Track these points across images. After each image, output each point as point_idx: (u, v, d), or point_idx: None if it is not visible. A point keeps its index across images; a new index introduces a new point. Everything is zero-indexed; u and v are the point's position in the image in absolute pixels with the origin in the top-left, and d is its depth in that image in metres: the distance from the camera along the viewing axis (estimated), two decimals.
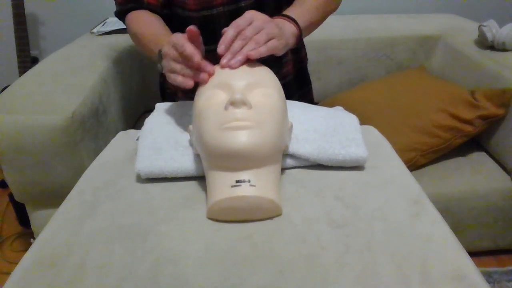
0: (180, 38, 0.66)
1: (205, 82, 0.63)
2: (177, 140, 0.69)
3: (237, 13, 0.89)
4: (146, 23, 0.90)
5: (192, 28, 0.64)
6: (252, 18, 0.68)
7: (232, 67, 0.63)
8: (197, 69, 0.64)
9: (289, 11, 0.82)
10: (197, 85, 0.66)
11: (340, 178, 0.65)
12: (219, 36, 0.65)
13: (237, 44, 0.65)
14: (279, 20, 0.77)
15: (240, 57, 0.64)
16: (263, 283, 0.47)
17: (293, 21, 0.79)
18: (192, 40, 0.65)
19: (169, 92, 1.10)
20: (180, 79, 0.66)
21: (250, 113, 0.56)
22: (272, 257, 0.51)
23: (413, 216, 0.57)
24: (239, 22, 0.67)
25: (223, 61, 0.64)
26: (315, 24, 0.88)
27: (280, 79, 0.68)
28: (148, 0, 0.92)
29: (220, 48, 0.65)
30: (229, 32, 0.66)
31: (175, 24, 0.95)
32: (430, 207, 0.59)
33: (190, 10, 0.92)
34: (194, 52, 0.64)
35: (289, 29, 0.77)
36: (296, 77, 1.07)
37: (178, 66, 0.67)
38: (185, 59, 0.65)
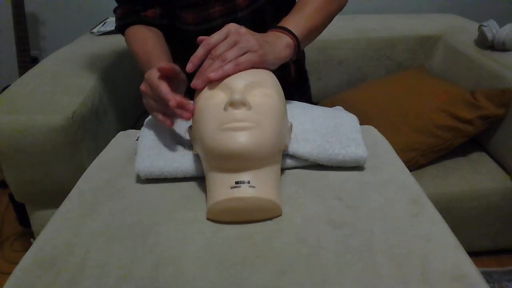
0: (153, 79, 0.65)
1: (188, 119, 0.62)
2: (177, 140, 0.69)
3: None
4: (142, 40, 0.88)
5: (164, 66, 0.63)
6: (228, 32, 0.65)
7: (197, 88, 0.63)
8: (177, 108, 0.62)
9: (286, 21, 0.78)
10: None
11: (340, 178, 0.65)
12: None
13: (206, 64, 0.64)
14: (270, 33, 0.74)
15: (200, 80, 0.62)
16: (263, 283, 0.47)
17: (288, 31, 0.75)
18: (166, 75, 0.64)
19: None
20: (161, 117, 0.66)
21: (250, 113, 0.56)
22: (272, 257, 0.51)
23: (413, 216, 0.57)
24: (212, 39, 0.65)
25: (192, 83, 0.63)
26: (317, 29, 0.84)
27: (280, 80, 0.67)
28: (146, 12, 0.92)
29: (188, 67, 0.63)
30: (198, 51, 0.64)
31: (175, 36, 0.94)
32: (430, 207, 0.59)
33: (188, 24, 0.91)
34: (169, 95, 0.62)
35: (283, 41, 0.73)
36: (295, 76, 1.07)
37: (156, 105, 0.66)
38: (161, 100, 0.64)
